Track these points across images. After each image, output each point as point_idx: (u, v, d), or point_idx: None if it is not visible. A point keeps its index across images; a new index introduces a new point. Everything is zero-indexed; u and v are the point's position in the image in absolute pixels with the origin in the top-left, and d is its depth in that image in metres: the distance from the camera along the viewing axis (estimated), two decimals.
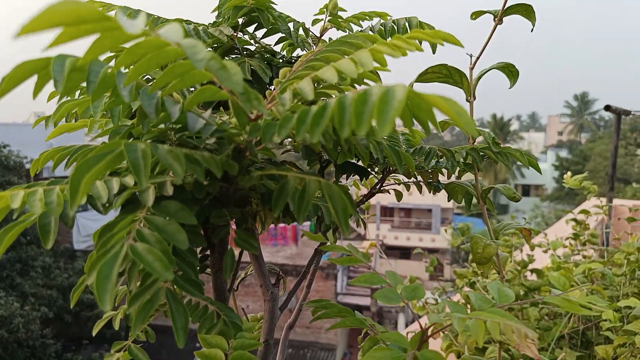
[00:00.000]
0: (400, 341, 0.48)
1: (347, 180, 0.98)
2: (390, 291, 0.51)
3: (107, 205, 0.44)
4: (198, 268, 0.51)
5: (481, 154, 0.85)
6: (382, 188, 1.01)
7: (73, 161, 0.50)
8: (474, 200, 0.96)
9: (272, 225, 0.92)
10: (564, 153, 34.42)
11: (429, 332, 0.51)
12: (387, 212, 21.76)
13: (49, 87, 0.39)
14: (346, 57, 0.45)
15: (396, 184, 1.04)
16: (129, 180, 0.46)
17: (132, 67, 0.37)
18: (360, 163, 0.93)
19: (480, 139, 0.89)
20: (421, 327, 0.51)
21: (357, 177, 0.98)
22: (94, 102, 0.47)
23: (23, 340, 10.64)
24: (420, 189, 1.01)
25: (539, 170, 0.84)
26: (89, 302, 12.83)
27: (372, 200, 1.30)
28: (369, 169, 0.95)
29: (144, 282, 0.43)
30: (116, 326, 0.59)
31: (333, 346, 13.73)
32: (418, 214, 21.90)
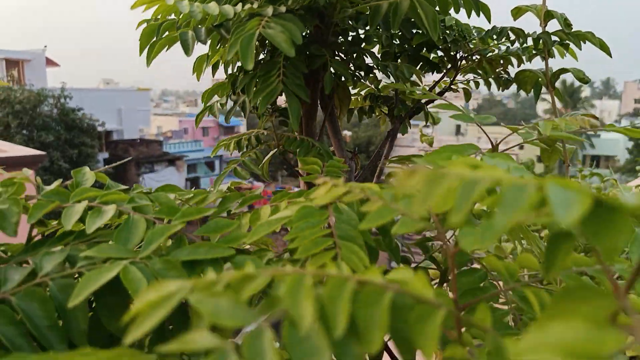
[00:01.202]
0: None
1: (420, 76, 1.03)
2: (464, 114, 0.58)
3: (233, 19, 0.53)
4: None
5: (553, 38, 0.88)
6: (451, 86, 1.07)
7: None
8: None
9: None
10: None
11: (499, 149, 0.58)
12: None
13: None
14: None
15: (464, 82, 1.09)
16: (247, 5, 0.56)
17: None
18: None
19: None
20: (492, 144, 0.59)
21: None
22: None
23: None
24: (489, 86, 1.06)
25: (609, 53, 0.86)
26: None
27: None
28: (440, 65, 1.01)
29: (264, 82, 0.53)
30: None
31: None
32: None
